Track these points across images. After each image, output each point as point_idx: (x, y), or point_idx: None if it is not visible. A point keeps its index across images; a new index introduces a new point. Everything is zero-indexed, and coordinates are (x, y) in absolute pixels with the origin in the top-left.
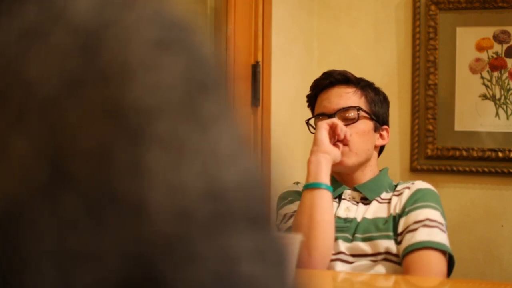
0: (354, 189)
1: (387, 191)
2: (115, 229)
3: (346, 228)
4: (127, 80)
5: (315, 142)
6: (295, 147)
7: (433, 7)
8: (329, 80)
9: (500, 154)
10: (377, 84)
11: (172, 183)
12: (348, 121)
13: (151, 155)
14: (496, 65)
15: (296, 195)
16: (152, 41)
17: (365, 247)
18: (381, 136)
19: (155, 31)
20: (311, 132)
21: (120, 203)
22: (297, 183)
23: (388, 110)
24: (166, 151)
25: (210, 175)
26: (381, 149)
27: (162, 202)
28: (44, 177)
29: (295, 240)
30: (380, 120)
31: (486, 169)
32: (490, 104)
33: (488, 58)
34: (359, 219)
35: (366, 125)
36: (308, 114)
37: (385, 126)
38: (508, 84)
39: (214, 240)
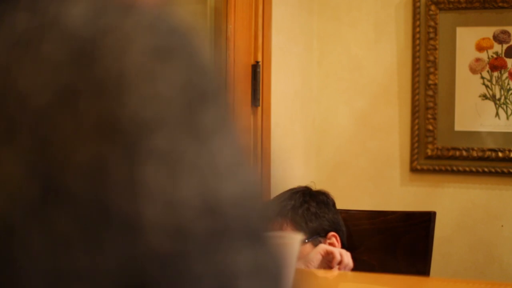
0: None
1: None
2: (110, 246)
3: None
4: (123, 92)
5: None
6: (295, 147)
7: (433, 7)
8: None
9: (500, 154)
10: (377, 84)
11: (169, 199)
12: None
13: (148, 170)
14: (496, 65)
15: None
16: (150, 49)
17: None
18: (330, 245)
19: (153, 39)
20: None
21: (115, 220)
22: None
23: (330, 214)
24: (163, 166)
25: (208, 190)
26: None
27: (158, 218)
28: (36, 193)
29: (295, 240)
30: (317, 233)
31: (486, 169)
32: (490, 104)
33: (488, 58)
34: None
35: (303, 249)
36: (308, 113)
37: (331, 234)
38: (508, 84)
39: (211, 257)
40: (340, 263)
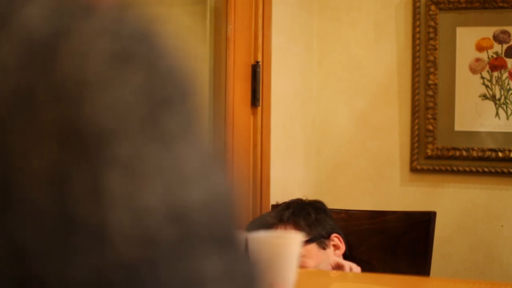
0: None
1: None
2: (75, 255)
3: None
4: (82, 98)
5: None
6: (295, 147)
7: (433, 7)
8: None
9: (500, 154)
10: (377, 84)
11: (133, 206)
12: None
13: (110, 178)
14: (496, 65)
15: None
16: (110, 54)
17: None
18: (334, 246)
19: (113, 42)
20: None
21: (79, 228)
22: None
23: (328, 219)
24: (126, 173)
25: (173, 196)
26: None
27: (123, 226)
28: None
29: (295, 240)
30: (321, 235)
31: (486, 169)
32: (490, 104)
33: (488, 58)
34: None
35: (311, 249)
36: (308, 113)
37: (334, 235)
38: (508, 84)
39: (178, 264)
40: None
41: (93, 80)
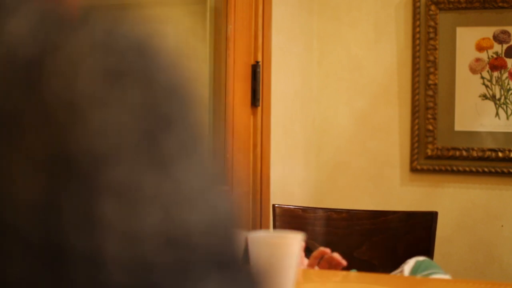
0: None
1: None
2: (70, 284)
3: None
4: (72, 121)
5: None
6: (295, 147)
7: (433, 7)
8: None
9: (500, 154)
10: (377, 84)
11: (128, 232)
12: None
13: (104, 204)
14: (496, 65)
15: None
16: (102, 70)
17: None
18: None
19: (105, 57)
20: None
21: (73, 256)
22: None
23: None
24: (121, 199)
25: (170, 220)
26: None
27: (118, 253)
28: None
29: (295, 240)
30: None
31: (486, 169)
32: (490, 104)
33: (488, 58)
34: None
35: None
36: (308, 113)
37: None
38: (508, 84)
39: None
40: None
41: (84, 101)
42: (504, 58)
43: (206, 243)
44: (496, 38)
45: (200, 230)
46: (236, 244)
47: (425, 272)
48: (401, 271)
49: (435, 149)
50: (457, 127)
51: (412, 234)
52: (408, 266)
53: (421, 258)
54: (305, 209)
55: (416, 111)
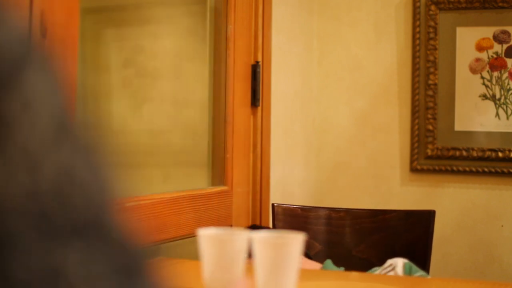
0: None
1: None
2: None
3: None
4: None
5: None
6: (295, 147)
7: (433, 7)
8: None
9: (500, 154)
10: (377, 84)
11: None
12: None
13: None
14: (496, 65)
15: None
16: None
17: None
18: None
19: None
20: None
21: None
22: None
23: None
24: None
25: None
26: None
27: None
28: None
29: (296, 240)
30: None
31: (486, 169)
32: (490, 104)
33: (488, 58)
34: None
35: None
36: (308, 113)
37: None
38: (508, 84)
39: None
40: None
41: None
42: (504, 58)
43: (58, 207)
44: (496, 38)
45: (52, 191)
46: (107, 211)
47: (418, 274)
48: (393, 269)
49: (435, 149)
50: (457, 127)
51: (411, 232)
52: (399, 268)
53: (405, 260)
54: (304, 208)
55: (416, 111)
